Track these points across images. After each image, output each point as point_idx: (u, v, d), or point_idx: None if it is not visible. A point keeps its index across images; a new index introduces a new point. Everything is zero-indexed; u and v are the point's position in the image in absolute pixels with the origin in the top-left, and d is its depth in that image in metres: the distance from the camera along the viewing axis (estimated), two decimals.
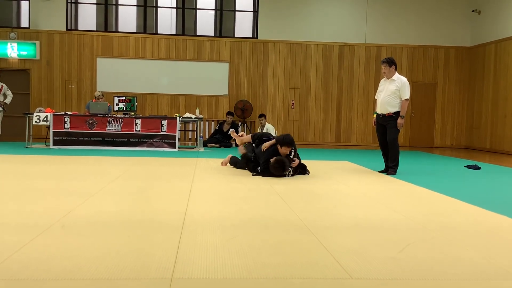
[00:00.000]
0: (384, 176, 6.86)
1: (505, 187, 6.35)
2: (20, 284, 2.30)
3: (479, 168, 8.28)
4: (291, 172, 6.55)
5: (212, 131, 13.73)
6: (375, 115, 7.42)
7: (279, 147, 6.53)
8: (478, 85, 14.34)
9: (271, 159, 6.40)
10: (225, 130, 12.56)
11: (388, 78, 7.18)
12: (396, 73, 7.20)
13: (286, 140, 6.54)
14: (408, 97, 7.05)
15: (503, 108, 13.02)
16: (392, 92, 7.05)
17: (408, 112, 14.79)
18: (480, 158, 10.88)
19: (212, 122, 14.23)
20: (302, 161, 6.86)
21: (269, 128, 11.90)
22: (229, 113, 12.78)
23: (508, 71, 12.81)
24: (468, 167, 8.44)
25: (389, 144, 7.13)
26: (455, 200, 4.95)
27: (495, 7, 13.59)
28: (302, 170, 6.77)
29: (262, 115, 12.77)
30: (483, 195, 5.55)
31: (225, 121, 12.72)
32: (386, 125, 7.16)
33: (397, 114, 7.04)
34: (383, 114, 7.16)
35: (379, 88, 7.35)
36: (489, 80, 13.76)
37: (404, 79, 7.15)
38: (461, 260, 2.87)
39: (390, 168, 7.11)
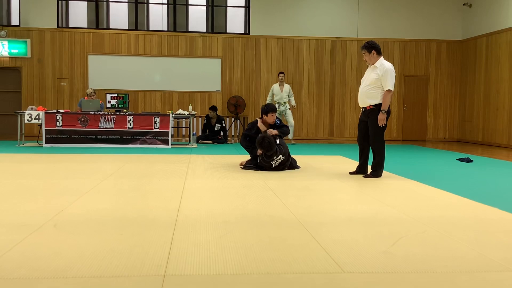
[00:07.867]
0: None
1: (497, 179, 6.39)
2: (13, 283, 2.30)
3: (471, 161, 8.32)
4: (280, 156, 6.55)
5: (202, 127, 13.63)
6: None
7: (265, 116, 6.87)
8: (470, 79, 14.40)
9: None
10: (212, 125, 12.47)
11: (371, 65, 6.16)
12: (381, 58, 6.09)
13: (268, 107, 6.89)
14: (390, 87, 5.87)
15: (495, 101, 13.09)
16: (372, 81, 5.98)
17: (401, 106, 14.85)
18: (473, 151, 10.93)
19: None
20: (292, 156, 6.87)
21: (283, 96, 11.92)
22: (212, 108, 12.54)
23: (500, 64, 12.87)
24: (461, 160, 8.48)
25: (371, 145, 6.10)
26: (447, 193, 4.98)
27: (486, 0, 13.63)
28: (291, 165, 6.79)
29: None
30: (475, 188, 5.58)
31: (211, 117, 12.54)
32: (367, 121, 6.10)
33: (379, 107, 5.94)
34: (364, 108, 6.14)
35: (363, 78, 6.32)
36: (480, 73, 13.81)
37: (388, 65, 5.98)
38: (453, 253, 2.89)
39: (373, 171, 6.06)
